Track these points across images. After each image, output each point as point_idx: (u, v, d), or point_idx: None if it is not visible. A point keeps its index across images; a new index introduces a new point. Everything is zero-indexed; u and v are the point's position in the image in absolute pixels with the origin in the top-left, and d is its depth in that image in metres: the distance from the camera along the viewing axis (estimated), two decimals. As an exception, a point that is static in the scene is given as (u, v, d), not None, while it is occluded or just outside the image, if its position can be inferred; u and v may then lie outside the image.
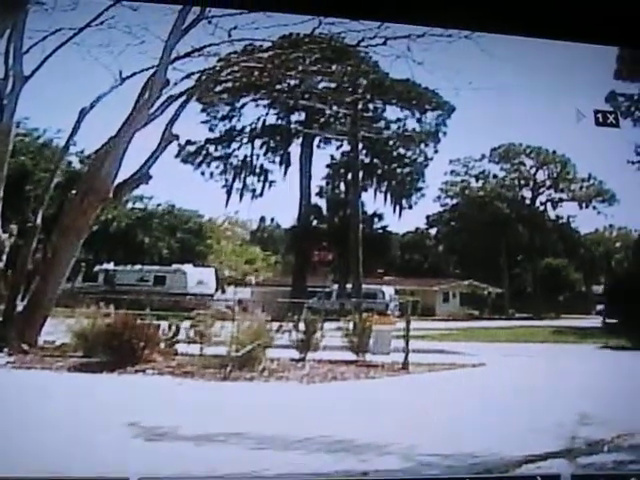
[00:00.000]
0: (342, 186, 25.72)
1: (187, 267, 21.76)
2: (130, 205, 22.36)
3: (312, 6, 9.23)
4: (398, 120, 24.26)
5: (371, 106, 23.11)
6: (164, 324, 15.02)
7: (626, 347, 17.87)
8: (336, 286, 24.20)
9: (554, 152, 26.43)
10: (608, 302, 22.11)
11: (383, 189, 25.21)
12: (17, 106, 14.58)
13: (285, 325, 15.61)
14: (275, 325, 15.08)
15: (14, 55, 14.32)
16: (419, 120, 24.28)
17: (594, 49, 9.44)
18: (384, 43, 16.33)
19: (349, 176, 24.36)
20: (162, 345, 14.43)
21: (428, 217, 28.77)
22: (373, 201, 25.25)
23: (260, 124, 23.92)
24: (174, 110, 15.95)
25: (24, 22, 14.01)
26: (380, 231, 26.15)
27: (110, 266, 21.68)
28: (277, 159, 24.40)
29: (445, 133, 24.36)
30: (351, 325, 16.32)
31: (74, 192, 15.43)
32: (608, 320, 20.78)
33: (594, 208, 26.52)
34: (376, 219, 25.95)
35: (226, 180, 24.09)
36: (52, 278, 14.77)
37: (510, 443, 8.46)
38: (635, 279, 19.96)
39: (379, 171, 25.17)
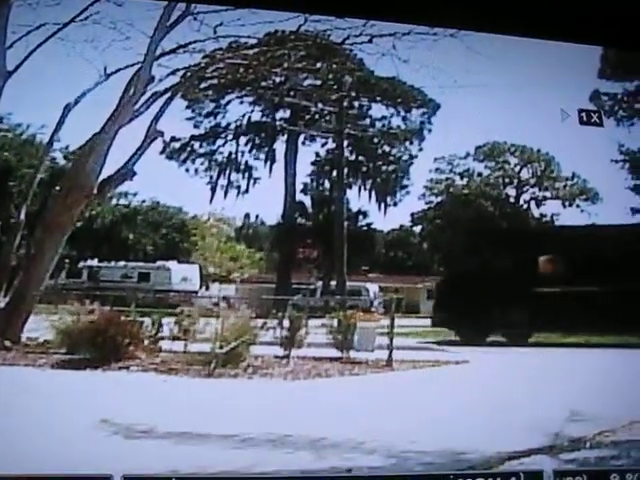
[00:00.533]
0: (327, 183, 25.64)
1: (171, 264, 21.67)
2: (114, 201, 22.24)
3: (298, 3, 9.26)
4: (383, 118, 24.23)
5: (356, 104, 23.08)
6: (148, 321, 14.97)
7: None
8: (320, 283, 24.13)
9: (538, 150, 26.42)
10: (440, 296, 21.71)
11: (368, 186, 25.13)
12: (0, 102, 14.52)
13: (269, 322, 15.57)
14: (259, 322, 15.06)
15: (-3, 50, 14.25)
16: (404, 118, 24.28)
17: (578, 48, 9.53)
18: (370, 41, 16.36)
19: (334, 173, 24.29)
20: (146, 342, 14.40)
21: (413, 215, 28.61)
22: (358, 198, 25.13)
23: (245, 121, 23.78)
24: (159, 107, 15.90)
25: (7, 17, 13.93)
26: (365, 228, 26.07)
27: (94, 262, 21.55)
28: (262, 156, 24.27)
29: (430, 131, 24.30)
30: (335, 322, 16.31)
31: (58, 188, 15.37)
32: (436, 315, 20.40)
33: (577, 206, 26.51)
34: (361, 216, 25.86)
35: (211, 177, 23.89)
36: (35, 274, 14.70)
37: (493, 440, 8.52)
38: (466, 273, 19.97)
39: (364, 169, 25.10)
